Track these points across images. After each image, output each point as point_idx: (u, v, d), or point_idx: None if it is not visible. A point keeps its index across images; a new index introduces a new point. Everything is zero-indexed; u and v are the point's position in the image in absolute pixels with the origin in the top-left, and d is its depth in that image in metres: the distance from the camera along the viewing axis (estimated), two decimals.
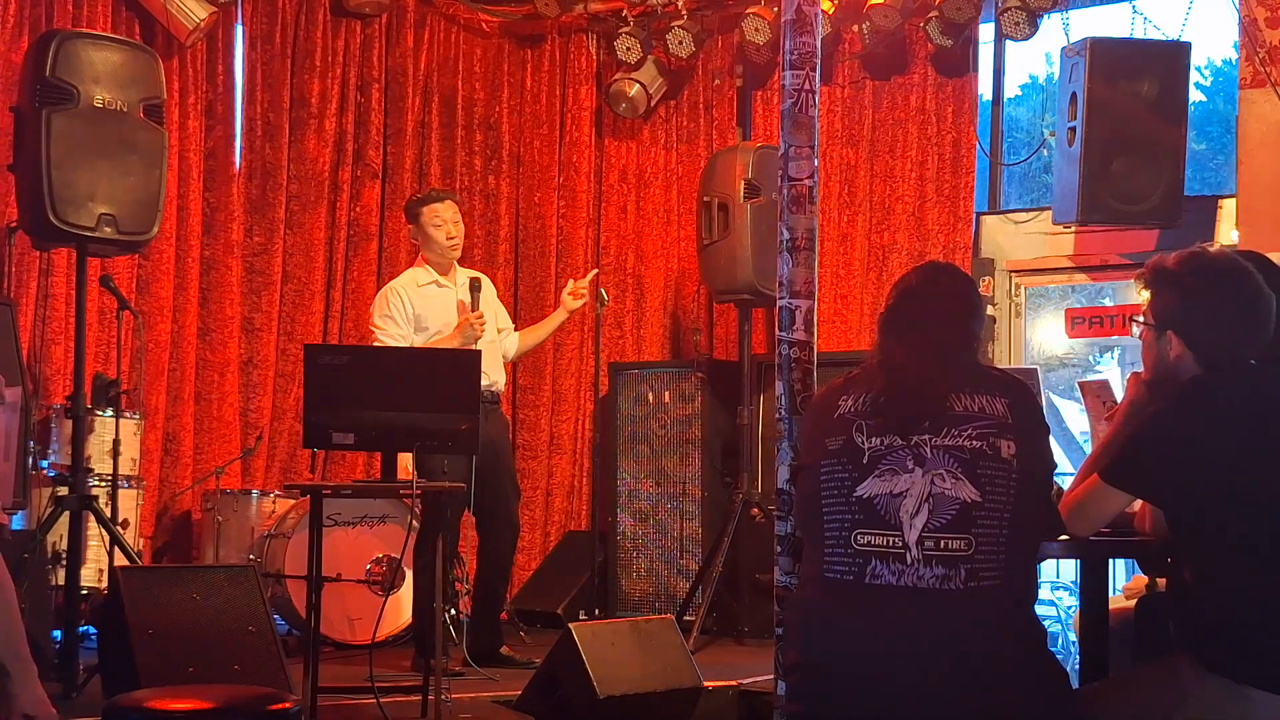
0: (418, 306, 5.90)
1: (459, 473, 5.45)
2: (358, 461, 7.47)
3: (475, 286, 5.97)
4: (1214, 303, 3.02)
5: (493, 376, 5.87)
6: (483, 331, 5.85)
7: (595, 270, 7.00)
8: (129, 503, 6.09)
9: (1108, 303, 7.74)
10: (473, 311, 5.90)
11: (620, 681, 4.53)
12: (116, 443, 5.58)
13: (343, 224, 7.61)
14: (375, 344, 5.85)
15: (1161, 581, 3.75)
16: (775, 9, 7.05)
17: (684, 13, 7.62)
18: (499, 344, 6.12)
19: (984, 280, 7.28)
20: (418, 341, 5.85)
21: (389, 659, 5.75)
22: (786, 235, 3.48)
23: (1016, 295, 7.42)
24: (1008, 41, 7.21)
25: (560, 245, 8.06)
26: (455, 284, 6.02)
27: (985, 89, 7.50)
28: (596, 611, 7.05)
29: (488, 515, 5.93)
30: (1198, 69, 10.70)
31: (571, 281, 6.33)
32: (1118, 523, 3.14)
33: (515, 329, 6.46)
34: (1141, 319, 3.13)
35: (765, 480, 6.81)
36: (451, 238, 5.99)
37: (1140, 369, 3.21)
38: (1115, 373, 8.54)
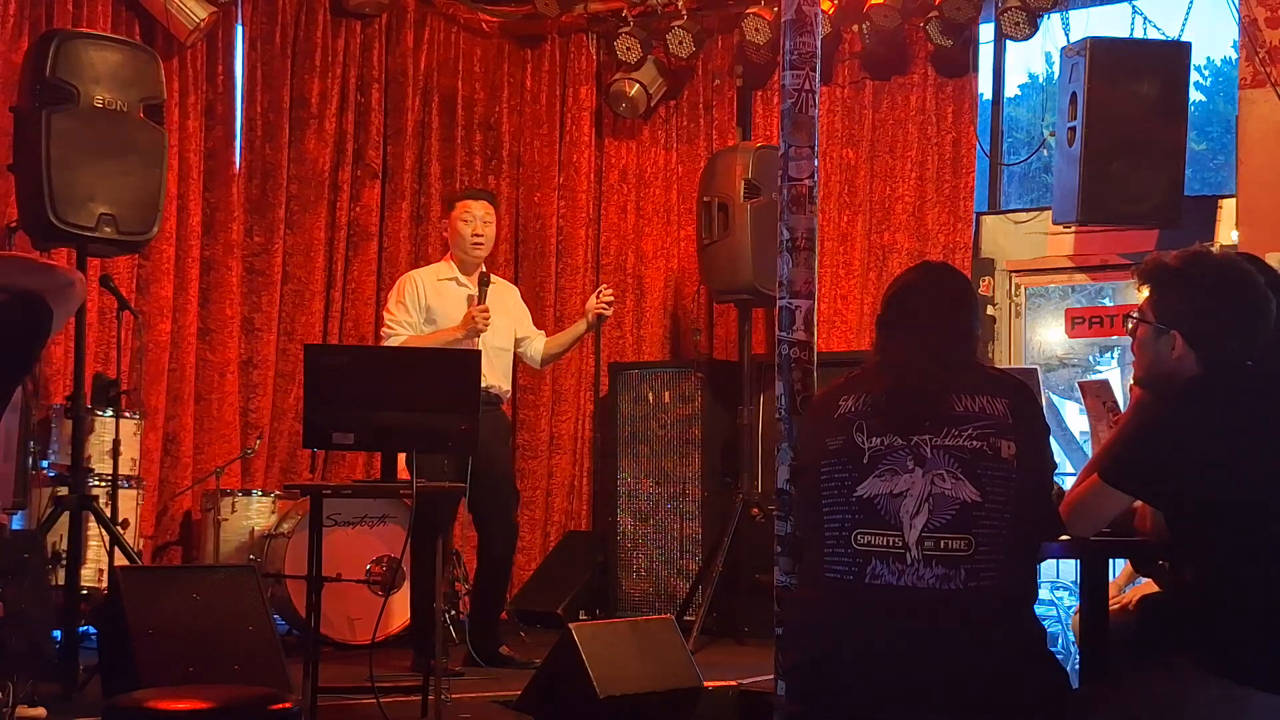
0: (431, 299, 5.93)
1: (451, 473, 5.45)
2: (358, 461, 7.46)
3: (484, 280, 5.97)
4: (1220, 304, 3.01)
5: (493, 381, 5.85)
6: (486, 325, 5.82)
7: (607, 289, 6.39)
8: (129, 503, 6.08)
9: (1108, 303, 7.74)
10: (478, 305, 5.85)
11: (620, 681, 4.52)
12: (116, 443, 5.58)
13: (343, 224, 7.61)
14: (386, 329, 5.94)
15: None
16: (775, 9, 7.04)
17: (684, 13, 7.62)
18: (510, 354, 6.11)
19: (984, 280, 7.28)
20: (425, 333, 5.86)
21: (389, 659, 5.74)
22: (786, 235, 3.48)
23: (1016, 295, 7.41)
24: (1008, 41, 7.21)
25: (560, 245, 8.05)
26: (475, 284, 6.02)
27: (985, 89, 7.50)
28: (596, 611, 7.06)
29: (484, 517, 5.93)
30: (1198, 69, 10.70)
31: (603, 288, 6.20)
32: (1118, 523, 3.14)
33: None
34: (1138, 315, 3.12)
35: (765, 480, 6.81)
36: (478, 235, 6.00)
37: None
38: (1115, 373, 8.54)
